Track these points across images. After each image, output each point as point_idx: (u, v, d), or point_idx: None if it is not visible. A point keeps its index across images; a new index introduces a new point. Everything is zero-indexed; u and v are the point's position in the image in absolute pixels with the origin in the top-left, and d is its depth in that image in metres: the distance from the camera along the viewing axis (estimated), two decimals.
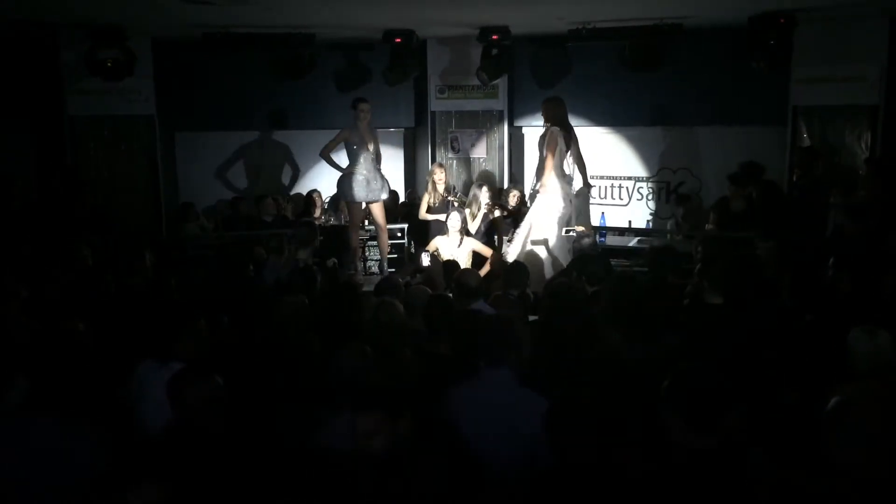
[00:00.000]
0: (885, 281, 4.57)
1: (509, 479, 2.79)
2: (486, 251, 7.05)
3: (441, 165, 8.23)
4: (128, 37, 7.54)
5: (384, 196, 7.30)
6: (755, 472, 2.25)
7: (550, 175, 6.75)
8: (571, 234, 6.29)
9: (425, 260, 6.26)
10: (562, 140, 6.71)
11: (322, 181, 9.22)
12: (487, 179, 8.57)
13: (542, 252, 6.66)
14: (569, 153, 6.76)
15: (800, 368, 3.02)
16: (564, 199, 6.76)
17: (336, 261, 6.68)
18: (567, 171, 6.80)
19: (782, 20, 6.79)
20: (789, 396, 2.87)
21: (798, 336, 3.62)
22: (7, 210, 6.92)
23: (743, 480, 2.29)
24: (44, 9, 6.55)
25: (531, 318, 4.99)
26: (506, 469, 2.83)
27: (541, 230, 6.73)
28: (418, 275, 6.44)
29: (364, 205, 7.31)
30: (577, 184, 7.05)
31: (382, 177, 7.27)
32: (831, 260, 4.79)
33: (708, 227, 7.19)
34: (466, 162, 9.18)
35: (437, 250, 6.82)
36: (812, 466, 2.25)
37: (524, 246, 6.77)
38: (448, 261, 6.35)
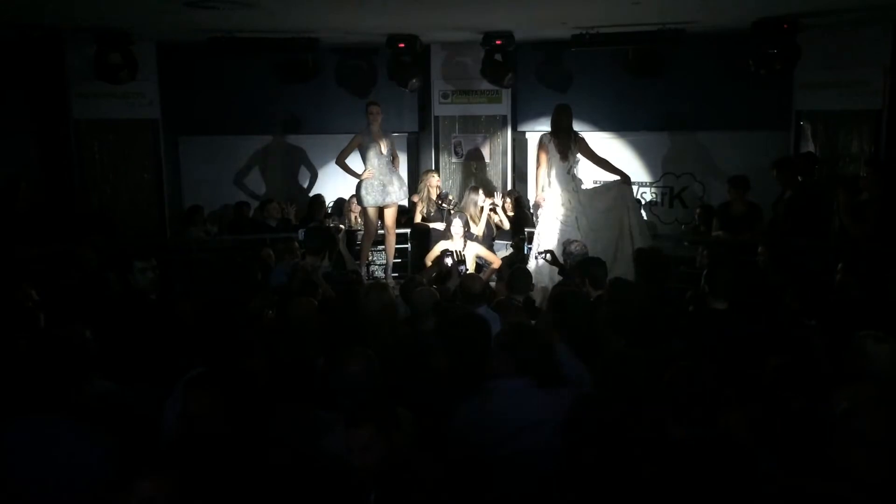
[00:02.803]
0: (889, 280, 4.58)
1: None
2: (490, 256, 7.06)
3: (434, 172, 8.24)
4: (133, 41, 7.58)
5: (402, 198, 7.34)
6: (763, 476, 2.26)
7: (540, 186, 6.78)
8: (542, 257, 6.25)
9: (448, 260, 6.34)
10: (552, 148, 6.70)
11: (327, 185, 9.25)
12: (482, 184, 8.59)
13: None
14: (569, 160, 6.71)
15: (807, 373, 3.03)
16: (565, 205, 6.73)
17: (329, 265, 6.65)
18: (557, 179, 6.74)
19: (785, 25, 6.80)
20: (797, 402, 2.87)
21: (805, 341, 3.63)
22: (11, 211, 6.95)
23: (746, 481, 2.31)
24: (49, 12, 6.58)
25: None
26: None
27: (545, 242, 6.70)
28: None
29: (377, 210, 7.32)
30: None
31: (399, 178, 7.30)
32: (840, 264, 4.79)
33: (715, 233, 7.19)
34: (469, 166, 9.18)
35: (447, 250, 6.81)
36: (820, 471, 2.25)
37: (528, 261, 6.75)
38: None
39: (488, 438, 2.91)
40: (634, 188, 8.96)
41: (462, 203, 7.73)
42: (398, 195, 7.31)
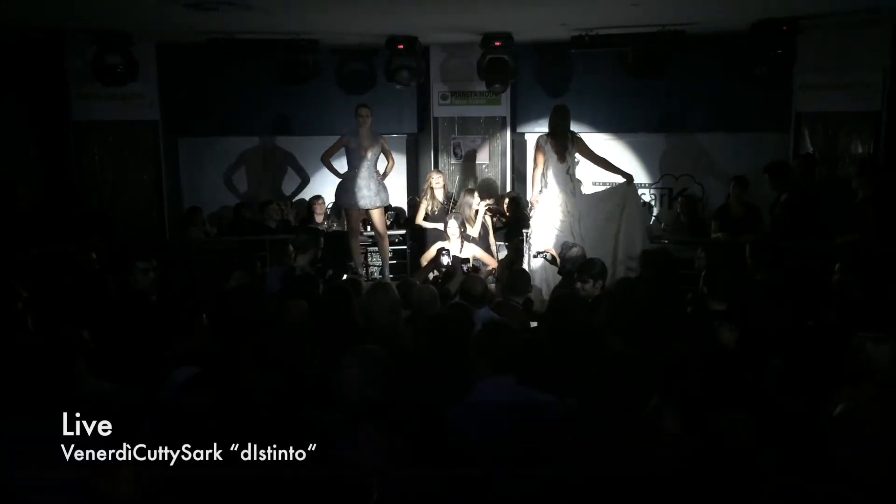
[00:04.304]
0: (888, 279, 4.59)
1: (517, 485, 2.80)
2: (487, 258, 7.05)
3: (439, 172, 8.24)
4: (133, 42, 7.58)
5: (378, 203, 7.23)
6: (763, 476, 2.26)
7: (537, 187, 6.77)
8: (542, 256, 6.24)
9: (445, 259, 6.32)
10: (550, 149, 6.69)
11: (325, 187, 9.23)
12: (479, 187, 8.60)
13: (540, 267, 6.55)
14: (566, 161, 6.69)
15: (807, 374, 3.03)
16: (561, 208, 6.72)
17: (332, 272, 6.67)
18: (555, 181, 6.74)
19: (785, 27, 6.82)
20: (797, 402, 2.88)
21: (804, 341, 3.63)
22: (10, 212, 6.96)
23: (746, 481, 2.31)
24: (49, 14, 6.59)
25: (532, 324, 5.01)
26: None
27: (537, 244, 6.69)
28: (433, 274, 6.48)
29: (364, 211, 7.32)
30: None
31: (379, 183, 7.22)
32: (838, 265, 4.80)
33: (715, 235, 7.19)
34: (468, 168, 9.19)
35: (444, 248, 6.81)
36: (820, 471, 2.25)
37: (529, 262, 6.73)
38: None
39: (476, 438, 2.91)
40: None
41: (458, 205, 7.73)
42: (374, 200, 7.20)
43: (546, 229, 6.70)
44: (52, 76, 7.91)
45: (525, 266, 6.57)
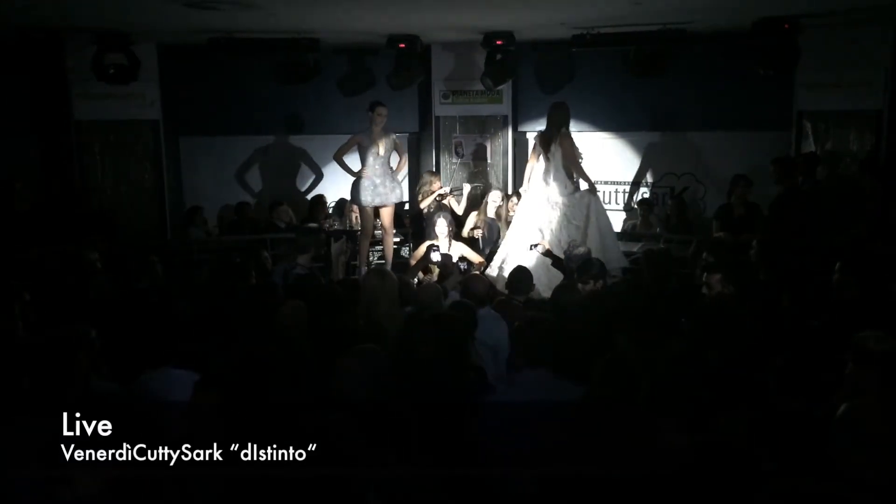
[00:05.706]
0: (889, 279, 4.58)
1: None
2: (475, 257, 7.04)
3: (433, 173, 8.31)
4: (133, 42, 7.58)
5: (393, 200, 7.31)
6: (763, 477, 2.26)
7: (524, 184, 6.77)
8: (537, 248, 6.25)
9: (435, 257, 6.34)
10: (537, 145, 6.70)
11: (327, 186, 9.25)
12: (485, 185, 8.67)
13: (524, 260, 6.49)
14: (549, 159, 6.65)
15: (807, 374, 3.03)
16: (544, 204, 6.70)
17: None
18: (541, 178, 6.72)
19: (786, 26, 6.80)
20: (798, 402, 2.87)
21: (804, 341, 3.63)
22: (10, 212, 6.96)
23: (740, 485, 2.30)
24: (50, 14, 6.59)
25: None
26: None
27: (517, 237, 6.67)
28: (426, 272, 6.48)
29: (373, 210, 7.34)
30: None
31: (393, 180, 7.29)
32: (838, 264, 4.79)
33: (716, 235, 7.18)
34: (470, 166, 9.19)
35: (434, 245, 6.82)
36: (820, 471, 2.25)
37: (506, 254, 6.71)
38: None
39: (511, 428, 2.89)
40: (635, 188, 9.01)
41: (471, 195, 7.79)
42: (391, 196, 7.27)
43: (521, 225, 6.69)
44: (53, 76, 7.92)
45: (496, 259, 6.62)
